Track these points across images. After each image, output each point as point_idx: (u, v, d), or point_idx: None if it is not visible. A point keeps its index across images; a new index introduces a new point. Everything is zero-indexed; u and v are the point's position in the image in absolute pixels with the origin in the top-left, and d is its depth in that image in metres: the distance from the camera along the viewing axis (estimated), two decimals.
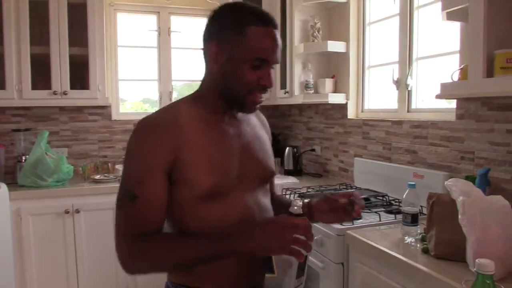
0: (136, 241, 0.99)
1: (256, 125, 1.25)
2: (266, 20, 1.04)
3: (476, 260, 0.78)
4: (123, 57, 3.44)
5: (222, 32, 1.05)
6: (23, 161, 2.84)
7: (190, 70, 3.66)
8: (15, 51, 2.78)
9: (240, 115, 1.17)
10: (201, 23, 3.63)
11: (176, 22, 3.54)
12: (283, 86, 3.10)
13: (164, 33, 3.49)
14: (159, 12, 3.47)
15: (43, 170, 2.69)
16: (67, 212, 2.69)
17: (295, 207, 0.98)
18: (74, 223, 2.73)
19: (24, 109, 3.11)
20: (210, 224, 1.06)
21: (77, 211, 2.71)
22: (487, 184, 1.76)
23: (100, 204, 2.76)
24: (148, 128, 1.03)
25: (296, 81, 2.96)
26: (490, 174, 1.77)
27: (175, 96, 3.67)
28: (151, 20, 3.49)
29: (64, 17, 2.86)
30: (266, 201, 1.20)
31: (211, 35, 1.07)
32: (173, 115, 1.06)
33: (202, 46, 1.11)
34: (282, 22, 3.05)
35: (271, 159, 1.23)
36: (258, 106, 1.11)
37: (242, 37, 1.01)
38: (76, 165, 3.09)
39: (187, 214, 1.06)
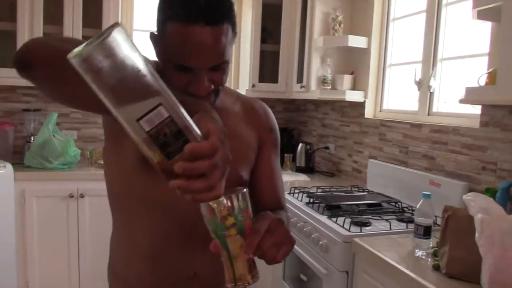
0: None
1: (238, 119, 1.03)
2: (188, 15, 0.78)
3: None
4: (139, 41, 3.37)
5: (155, 25, 0.86)
6: (31, 141, 2.80)
7: None
8: (27, 28, 2.72)
9: (219, 103, 0.94)
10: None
11: None
12: (299, 80, 2.99)
13: None
14: None
15: (50, 152, 2.65)
16: (71, 196, 2.65)
17: None
18: (78, 208, 2.69)
19: (35, 89, 3.05)
20: (139, 196, 0.92)
21: (82, 196, 2.67)
22: (508, 199, 1.63)
23: (105, 190, 2.71)
24: None
25: (314, 75, 2.84)
26: None
27: None
28: None
29: None
30: None
31: None
32: None
33: None
34: (303, 13, 2.94)
35: (241, 163, 1.00)
36: (210, 96, 0.87)
37: (162, 34, 0.82)
38: (84, 149, 3.05)
39: (122, 176, 0.93)
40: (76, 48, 0.50)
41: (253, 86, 3.20)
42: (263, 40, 3.21)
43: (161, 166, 0.58)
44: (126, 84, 0.53)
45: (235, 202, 0.69)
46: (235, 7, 0.88)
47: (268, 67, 3.27)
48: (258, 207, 1.01)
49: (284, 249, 0.77)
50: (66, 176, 2.68)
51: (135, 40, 3.21)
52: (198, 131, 0.59)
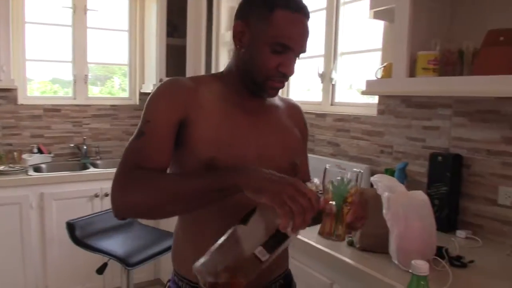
0: (134, 171, 0.94)
1: (285, 114, 1.17)
2: (297, 6, 0.99)
3: (412, 262, 0.81)
4: (32, 35, 3.13)
5: (251, 11, 1.01)
6: None
7: (107, 52, 3.44)
8: None
9: (269, 100, 1.13)
10: (121, 2, 3.44)
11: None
12: (208, 73, 3.02)
13: (79, 11, 3.22)
14: None
15: None
16: None
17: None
18: None
19: None
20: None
21: None
22: (404, 177, 1.86)
23: (3, 198, 2.50)
24: (168, 84, 1.04)
25: (222, 69, 2.89)
26: (407, 168, 1.88)
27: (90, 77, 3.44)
28: None
29: None
30: None
31: (240, 14, 1.04)
32: (196, 81, 1.06)
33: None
34: (209, 8, 2.97)
35: (294, 150, 1.14)
36: (277, 92, 1.08)
37: (268, 19, 0.98)
38: None
39: None
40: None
41: (161, 80, 3.16)
42: (169, 34, 3.17)
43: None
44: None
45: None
46: None
47: (175, 61, 3.25)
48: None
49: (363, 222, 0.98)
50: None
51: (27, 32, 2.99)
52: (271, 219, 0.80)
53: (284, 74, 1.01)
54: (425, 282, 0.79)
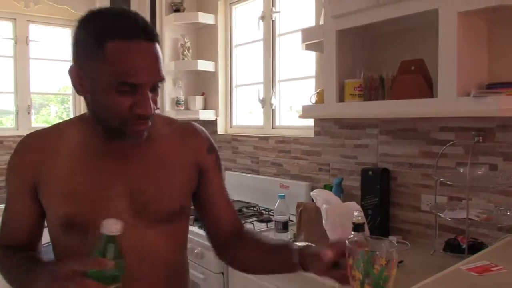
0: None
1: (171, 146, 1.00)
2: (131, 31, 0.81)
3: (103, 221, 0.74)
4: None
5: (80, 52, 0.85)
6: None
7: (52, 82, 3.44)
8: None
9: (150, 131, 0.93)
10: (64, 33, 3.46)
11: (36, 30, 3.31)
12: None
13: (21, 42, 3.22)
14: (15, 19, 3.19)
15: None
16: None
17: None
18: None
19: None
20: (71, 254, 0.93)
21: None
22: (341, 192, 2.06)
23: None
24: (18, 147, 0.98)
25: (167, 97, 3.01)
26: (342, 183, 2.08)
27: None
28: (6, 27, 3.19)
29: None
30: (155, 241, 0.96)
31: (72, 57, 0.87)
32: (43, 135, 0.97)
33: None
34: None
35: (176, 192, 0.99)
36: (144, 134, 0.89)
37: (100, 56, 0.80)
38: None
39: (52, 239, 1.00)
40: None
41: None
42: None
43: None
44: None
45: None
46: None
47: None
48: (221, 226, 1.07)
49: None
50: None
51: None
52: None
53: (140, 116, 0.84)
54: (115, 244, 0.73)
